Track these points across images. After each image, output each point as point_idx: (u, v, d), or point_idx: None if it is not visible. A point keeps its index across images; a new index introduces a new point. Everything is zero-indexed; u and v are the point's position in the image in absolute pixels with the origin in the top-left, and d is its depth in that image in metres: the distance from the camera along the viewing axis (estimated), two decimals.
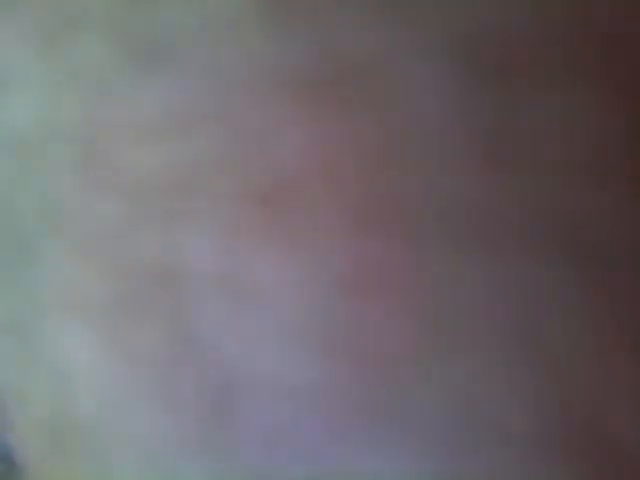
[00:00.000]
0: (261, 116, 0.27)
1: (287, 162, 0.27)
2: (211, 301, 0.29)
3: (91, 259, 0.30)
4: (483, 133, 0.25)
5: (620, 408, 0.25)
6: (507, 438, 0.26)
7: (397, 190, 0.26)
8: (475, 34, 0.25)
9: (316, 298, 0.27)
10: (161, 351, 0.30)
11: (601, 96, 0.25)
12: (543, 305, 0.25)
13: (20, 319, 0.33)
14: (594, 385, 0.25)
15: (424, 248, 0.26)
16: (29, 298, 0.32)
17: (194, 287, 0.29)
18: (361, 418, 0.27)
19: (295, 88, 0.26)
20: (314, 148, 0.27)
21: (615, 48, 0.25)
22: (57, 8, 0.29)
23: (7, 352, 0.33)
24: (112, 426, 0.32)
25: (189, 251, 0.29)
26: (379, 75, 0.26)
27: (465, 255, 0.26)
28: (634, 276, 0.25)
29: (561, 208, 0.25)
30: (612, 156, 0.25)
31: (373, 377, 0.27)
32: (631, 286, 0.25)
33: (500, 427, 0.26)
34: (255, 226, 0.28)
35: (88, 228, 0.30)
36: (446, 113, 0.26)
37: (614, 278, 0.25)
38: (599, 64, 0.25)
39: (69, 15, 0.29)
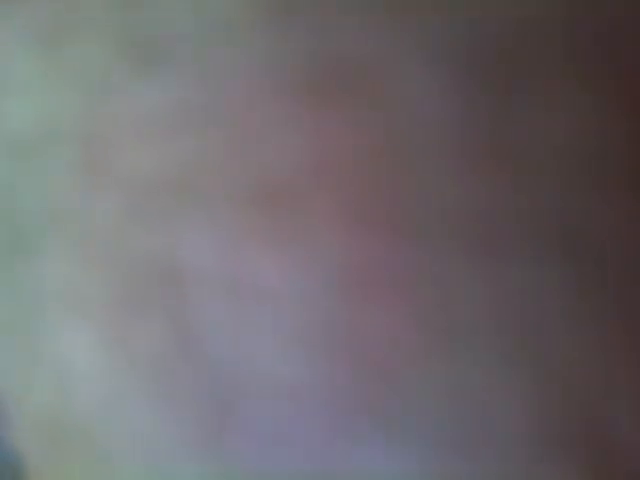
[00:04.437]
0: (260, 116, 0.27)
1: (286, 162, 0.27)
2: (211, 300, 0.29)
3: (90, 259, 0.30)
4: (482, 134, 0.25)
5: (620, 409, 0.25)
6: (507, 438, 0.26)
7: (396, 191, 0.26)
8: (474, 36, 0.25)
9: (316, 298, 0.27)
10: (161, 351, 0.30)
11: (601, 95, 0.25)
12: (544, 305, 0.25)
13: (20, 319, 0.33)
14: (594, 386, 0.25)
15: (424, 248, 0.26)
16: (29, 298, 0.32)
17: (194, 286, 0.29)
18: (361, 418, 0.27)
19: (295, 89, 0.26)
20: (313, 149, 0.27)
21: (615, 48, 0.25)
22: (55, 11, 0.28)
23: (7, 352, 0.33)
24: (112, 426, 0.32)
25: (188, 250, 0.29)
26: (379, 77, 0.26)
27: (465, 255, 0.26)
28: (633, 275, 0.25)
29: (561, 209, 0.25)
30: (612, 156, 0.25)
31: (373, 377, 0.27)
32: (630, 285, 0.25)
33: (500, 427, 0.26)
34: (254, 226, 0.28)
35: (87, 228, 0.30)
36: (446, 114, 0.25)
37: (614, 278, 0.25)
38: (599, 64, 0.25)
39: (67, 17, 0.28)
